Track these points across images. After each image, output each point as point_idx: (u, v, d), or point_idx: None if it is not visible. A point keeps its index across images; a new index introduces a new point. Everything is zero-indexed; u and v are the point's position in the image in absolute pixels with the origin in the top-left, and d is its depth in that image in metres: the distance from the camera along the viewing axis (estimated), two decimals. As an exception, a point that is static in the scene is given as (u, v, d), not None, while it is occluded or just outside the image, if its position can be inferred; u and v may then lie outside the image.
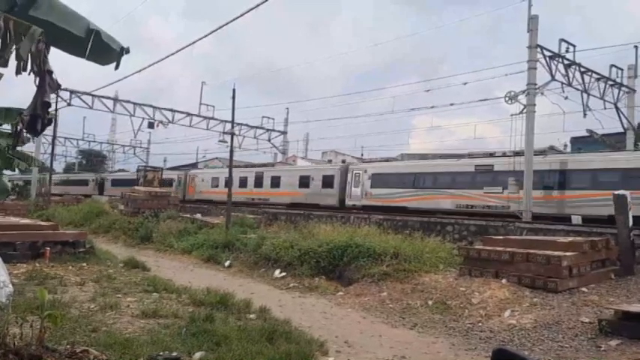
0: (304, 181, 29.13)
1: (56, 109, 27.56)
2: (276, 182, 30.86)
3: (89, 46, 4.94)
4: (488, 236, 14.39)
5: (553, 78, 20.17)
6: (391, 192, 24.15)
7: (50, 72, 4.45)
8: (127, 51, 5.41)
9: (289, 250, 13.26)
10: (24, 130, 4.74)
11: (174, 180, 39.49)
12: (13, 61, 4.44)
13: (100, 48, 5.08)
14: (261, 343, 5.83)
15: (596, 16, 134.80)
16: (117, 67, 5.50)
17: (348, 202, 26.11)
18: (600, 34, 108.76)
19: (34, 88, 4.46)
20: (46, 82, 4.41)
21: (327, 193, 27.53)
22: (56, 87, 4.66)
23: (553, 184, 19.50)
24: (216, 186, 34.65)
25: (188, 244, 17.34)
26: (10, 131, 8.87)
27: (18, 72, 4.31)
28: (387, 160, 28.60)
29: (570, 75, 20.79)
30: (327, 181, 27.77)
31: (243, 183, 32.33)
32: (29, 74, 4.37)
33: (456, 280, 10.41)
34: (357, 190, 25.87)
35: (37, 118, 4.50)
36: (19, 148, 7.91)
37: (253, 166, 35.82)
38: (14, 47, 4.25)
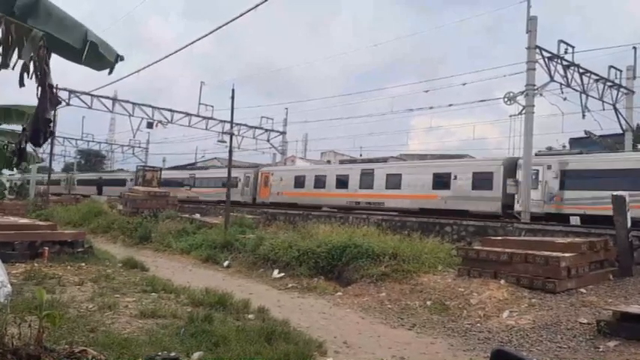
0: (442, 180, 22.90)
1: (55, 109, 27.57)
2: (394, 182, 24.79)
3: (85, 54, 5.04)
4: (487, 237, 14.45)
5: (552, 79, 20.24)
6: (599, 196, 16.98)
7: (51, 86, 4.50)
8: (122, 58, 5.59)
9: (288, 251, 13.25)
10: (27, 145, 4.83)
11: (238, 179, 33.13)
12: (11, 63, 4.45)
13: (95, 56, 5.19)
14: (259, 343, 5.82)
15: (596, 16, 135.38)
16: (110, 72, 5.68)
17: (519, 208, 19.58)
18: (600, 35, 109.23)
19: (28, 86, 4.49)
20: (47, 98, 4.45)
21: (481, 196, 21.27)
22: (56, 103, 4.76)
23: None
24: (302, 186, 29.67)
25: (187, 244, 17.32)
26: (9, 130, 8.91)
27: (21, 84, 4.35)
28: (581, 152, 20.78)
29: (569, 76, 20.86)
30: (482, 181, 21.49)
31: (342, 183, 27.28)
32: (36, 84, 4.40)
33: (455, 281, 10.41)
34: (536, 192, 19.52)
35: (39, 132, 4.58)
36: None
37: (354, 161, 31.32)
38: (16, 51, 4.28)
